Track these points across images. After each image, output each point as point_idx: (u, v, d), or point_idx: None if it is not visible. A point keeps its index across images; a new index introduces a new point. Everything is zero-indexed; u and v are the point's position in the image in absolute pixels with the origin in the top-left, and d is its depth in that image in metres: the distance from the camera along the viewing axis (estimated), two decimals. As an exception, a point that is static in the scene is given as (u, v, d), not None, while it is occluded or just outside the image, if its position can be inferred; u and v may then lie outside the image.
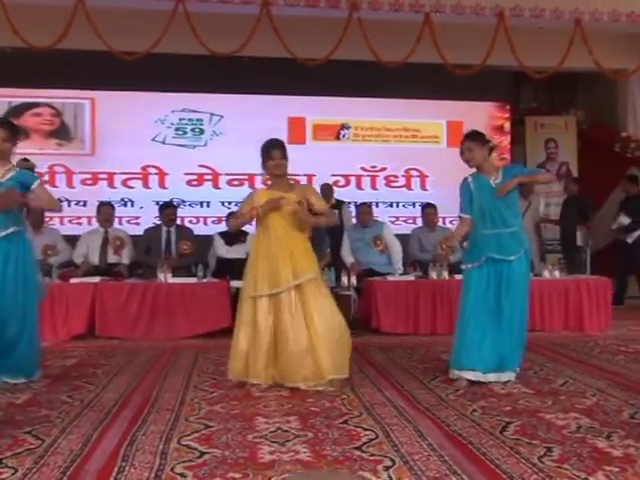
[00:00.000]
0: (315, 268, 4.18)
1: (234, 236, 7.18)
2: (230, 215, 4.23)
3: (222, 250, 7.16)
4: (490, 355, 4.14)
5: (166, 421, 3.24)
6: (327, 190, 7.14)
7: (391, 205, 9.27)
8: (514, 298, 4.16)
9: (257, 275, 4.10)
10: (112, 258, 6.96)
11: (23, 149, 6.14)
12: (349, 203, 8.71)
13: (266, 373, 4.04)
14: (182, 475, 2.45)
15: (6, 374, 4.08)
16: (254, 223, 4.29)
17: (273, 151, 4.21)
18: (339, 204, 7.59)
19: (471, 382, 4.10)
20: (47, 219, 7.50)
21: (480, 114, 9.28)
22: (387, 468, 2.51)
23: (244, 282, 4.23)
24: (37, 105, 8.63)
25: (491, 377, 4.14)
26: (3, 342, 4.00)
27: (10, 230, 4.08)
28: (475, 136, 4.28)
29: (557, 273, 6.73)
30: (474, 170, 4.32)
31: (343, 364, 4.06)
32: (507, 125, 9.58)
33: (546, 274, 6.71)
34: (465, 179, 4.33)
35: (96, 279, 6.30)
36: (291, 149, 4.29)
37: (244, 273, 4.25)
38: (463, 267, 4.39)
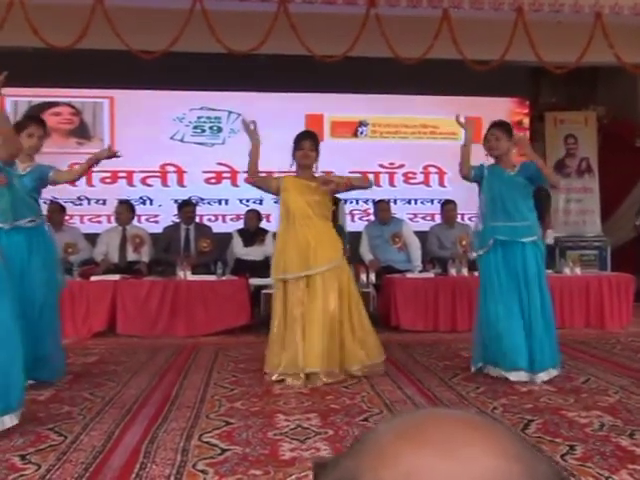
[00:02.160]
0: (339, 257, 4.26)
1: (253, 235, 7.19)
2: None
3: (240, 250, 7.17)
4: (519, 351, 4.12)
5: (187, 418, 3.25)
6: None
7: (409, 202, 9.22)
8: (534, 290, 4.12)
9: (286, 259, 4.20)
10: (132, 256, 6.99)
11: (43, 148, 6.17)
12: (366, 200, 8.70)
13: (305, 362, 4.08)
14: (203, 472, 2.46)
15: (33, 374, 4.08)
16: (273, 218, 4.40)
17: (303, 142, 4.40)
18: (336, 201, 7.54)
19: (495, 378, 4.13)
20: (67, 217, 7.56)
21: (499, 110, 9.17)
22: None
23: (272, 267, 4.32)
24: (57, 104, 8.68)
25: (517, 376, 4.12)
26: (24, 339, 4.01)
27: (29, 219, 4.10)
28: (505, 126, 4.34)
29: (578, 270, 6.67)
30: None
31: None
32: (526, 121, 9.50)
33: (567, 271, 6.65)
34: (481, 164, 4.34)
35: (116, 277, 6.34)
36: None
37: (272, 258, 4.35)
38: (475, 255, 4.45)
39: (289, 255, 4.18)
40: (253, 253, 7.09)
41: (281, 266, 4.21)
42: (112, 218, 7.56)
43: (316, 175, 4.42)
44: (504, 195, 4.19)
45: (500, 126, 4.30)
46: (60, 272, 4.68)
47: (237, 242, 7.20)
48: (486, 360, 4.27)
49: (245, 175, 8.65)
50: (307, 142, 4.38)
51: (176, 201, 7.99)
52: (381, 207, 7.33)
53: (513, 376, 4.08)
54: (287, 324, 4.14)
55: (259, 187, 4.60)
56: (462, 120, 4.32)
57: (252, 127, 4.46)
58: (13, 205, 4.00)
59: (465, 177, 4.39)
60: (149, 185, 8.81)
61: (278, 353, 4.16)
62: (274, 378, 4.12)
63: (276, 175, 4.60)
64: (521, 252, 4.15)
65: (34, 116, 4.64)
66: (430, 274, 6.74)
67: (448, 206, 7.42)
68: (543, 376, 4.08)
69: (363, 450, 0.47)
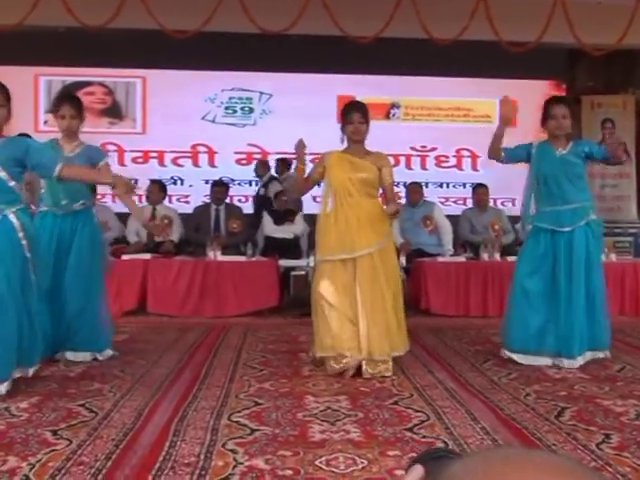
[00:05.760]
0: (382, 238, 3.97)
1: (283, 215, 7.19)
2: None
3: (270, 228, 7.18)
4: (540, 337, 4.06)
5: (216, 397, 3.25)
6: None
7: (441, 186, 9.13)
8: (578, 276, 4.03)
9: (328, 240, 3.93)
10: (159, 238, 6.97)
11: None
12: (397, 183, 8.62)
13: (353, 345, 3.84)
14: (233, 451, 2.45)
15: (73, 350, 4.13)
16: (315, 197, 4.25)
17: (353, 114, 4.03)
18: None
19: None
20: (99, 197, 7.59)
21: (534, 93, 9.02)
22: (440, 450, 2.46)
23: (316, 249, 4.10)
24: (90, 84, 8.74)
25: (544, 360, 4.06)
26: (66, 318, 4.06)
27: (80, 202, 4.15)
28: (570, 103, 4.18)
29: (613, 256, 6.55)
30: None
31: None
32: (562, 104, 9.32)
33: (602, 257, 6.53)
34: (530, 143, 4.23)
35: (147, 256, 6.37)
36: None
37: (315, 240, 4.13)
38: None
39: (331, 236, 3.92)
40: (283, 231, 7.10)
41: (324, 247, 3.96)
42: (143, 198, 7.56)
43: (369, 150, 4.14)
44: (549, 176, 4.08)
45: (566, 103, 4.12)
46: (106, 255, 4.71)
47: (267, 221, 7.21)
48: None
49: (276, 156, 8.74)
50: (356, 115, 4.02)
51: (207, 181, 8.00)
52: (412, 189, 7.25)
53: (517, 357, 4.09)
54: (331, 308, 3.92)
55: (314, 186, 4.32)
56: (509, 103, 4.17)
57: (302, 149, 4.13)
58: (65, 189, 4.03)
59: (494, 158, 4.31)
60: (180, 165, 8.84)
61: (324, 336, 3.92)
62: (317, 355, 4.01)
63: (310, 166, 4.29)
64: (567, 238, 4.04)
65: (66, 95, 4.62)
66: (461, 258, 6.67)
67: (480, 190, 7.30)
68: (572, 362, 4.00)
69: None
